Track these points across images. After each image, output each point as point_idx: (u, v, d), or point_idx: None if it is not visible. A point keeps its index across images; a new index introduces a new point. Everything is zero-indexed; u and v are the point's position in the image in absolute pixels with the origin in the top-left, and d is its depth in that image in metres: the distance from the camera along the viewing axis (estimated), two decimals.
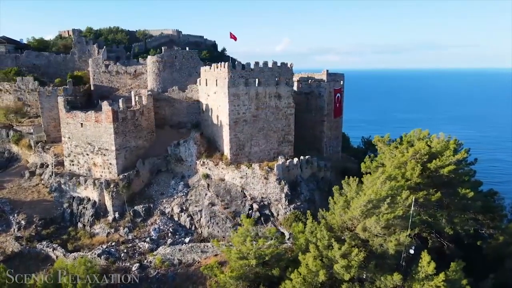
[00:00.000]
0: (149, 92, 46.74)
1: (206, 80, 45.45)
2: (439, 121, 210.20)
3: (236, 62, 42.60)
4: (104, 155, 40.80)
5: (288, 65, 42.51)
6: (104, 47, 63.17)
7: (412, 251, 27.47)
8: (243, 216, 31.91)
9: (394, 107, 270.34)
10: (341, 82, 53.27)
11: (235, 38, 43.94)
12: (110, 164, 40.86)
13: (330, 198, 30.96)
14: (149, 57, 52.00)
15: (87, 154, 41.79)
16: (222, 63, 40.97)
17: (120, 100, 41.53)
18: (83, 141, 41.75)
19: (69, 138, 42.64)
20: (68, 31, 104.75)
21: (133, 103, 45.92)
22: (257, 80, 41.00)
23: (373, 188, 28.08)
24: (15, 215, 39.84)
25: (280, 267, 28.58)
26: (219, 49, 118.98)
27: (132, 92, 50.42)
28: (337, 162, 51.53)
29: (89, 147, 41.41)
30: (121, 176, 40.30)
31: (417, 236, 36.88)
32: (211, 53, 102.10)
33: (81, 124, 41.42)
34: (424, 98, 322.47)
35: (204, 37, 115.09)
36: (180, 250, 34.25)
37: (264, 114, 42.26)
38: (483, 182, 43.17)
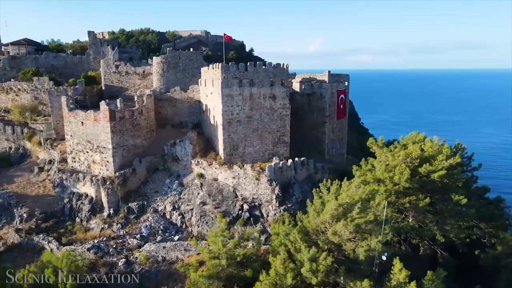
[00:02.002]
0: (150, 92, 47.87)
1: (205, 80, 46.04)
2: (479, 123, 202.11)
3: (249, 63, 42.34)
4: (102, 153, 42.25)
5: (283, 66, 42.34)
6: (116, 48, 65.34)
7: (384, 258, 26.64)
8: (219, 216, 32.18)
9: (430, 109, 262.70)
10: (346, 83, 52.32)
11: (229, 39, 44.21)
12: (108, 161, 42.25)
13: (308, 200, 30.65)
14: (154, 58, 53.31)
15: (87, 152, 43.42)
16: (217, 63, 41.39)
17: (118, 100, 42.85)
18: (84, 139, 43.42)
19: (71, 136, 44.46)
20: (102, 33, 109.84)
21: None
22: (251, 80, 41.10)
23: (348, 192, 27.59)
24: (19, 208, 41.99)
25: (254, 269, 28.58)
26: (247, 49, 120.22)
27: (138, 92, 51.92)
28: (338, 165, 50.61)
29: (89, 145, 43.00)
30: (117, 174, 41.56)
31: (408, 243, 35.84)
32: (238, 54, 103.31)
33: (82, 122, 43.06)
34: (463, 99, 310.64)
35: (232, 38, 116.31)
36: (164, 247, 34.95)
37: (258, 114, 42.24)
38: (490, 189, 41.41)
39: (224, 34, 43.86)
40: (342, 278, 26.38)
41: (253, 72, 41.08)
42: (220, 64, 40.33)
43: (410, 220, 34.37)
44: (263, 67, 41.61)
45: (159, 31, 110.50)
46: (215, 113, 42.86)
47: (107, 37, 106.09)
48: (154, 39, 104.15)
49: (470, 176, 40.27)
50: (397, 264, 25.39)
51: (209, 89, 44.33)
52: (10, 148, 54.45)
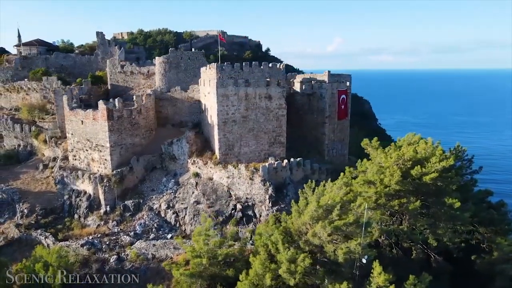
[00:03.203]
0: (150, 92, 48.50)
1: (204, 80, 46.37)
2: (501, 125, 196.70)
3: (244, 63, 42.46)
4: (100, 151, 43.15)
5: (280, 66, 42.24)
6: (122, 48, 66.47)
7: (364, 260, 26.25)
8: (203, 215, 32.36)
9: (451, 109, 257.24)
10: (347, 83, 51.73)
11: (224, 40, 44.36)
12: (105, 160, 43.12)
13: (292, 201, 30.49)
14: (156, 57, 53.97)
15: (87, 150, 44.42)
16: (212, 63, 41.63)
17: (116, 100, 43.58)
18: (83, 138, 44.45)
19: (72, 134, 45.59)
20: (121, 33, 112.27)
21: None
22: (247, 80, 41.15)
23: (330, 194, 27.33)
24: (21, 204, 43.30)
25: (236, 268, 28.61)
26: (264, 49, 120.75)
27: (140, 92, 52.71)
28: (339, 166, 50.01)
29: (88, 143, 43.99)
30: (114, 172, 42.34)
31: (399, 246, 35.16)
32: (254, 54, 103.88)
33: (82, 121, 44.07)
34: (488, 100, 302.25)
35: (249, 38, 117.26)
36: (154, 245, 35.39)
37: (254, 114, 42.22)
38: (493, 192, 40.34)
39: (219, 35, 43.92)
40: (322, 280, 26.20)
41: (248, 72, 41.16)
42: (215, 64, 40.56)
43: (402, 223, 33.80)
44: (260, 67, 41.63)
45: (176, 31, 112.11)
46: (212, 112, 43.14)
47: (126, 37, 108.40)
48: (171, 39, 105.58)
49: (469, 179, 39.28)
50: (376, 267, 25.01)
51: (207, 88, 44.64)
52: (19, 145, 56.18)
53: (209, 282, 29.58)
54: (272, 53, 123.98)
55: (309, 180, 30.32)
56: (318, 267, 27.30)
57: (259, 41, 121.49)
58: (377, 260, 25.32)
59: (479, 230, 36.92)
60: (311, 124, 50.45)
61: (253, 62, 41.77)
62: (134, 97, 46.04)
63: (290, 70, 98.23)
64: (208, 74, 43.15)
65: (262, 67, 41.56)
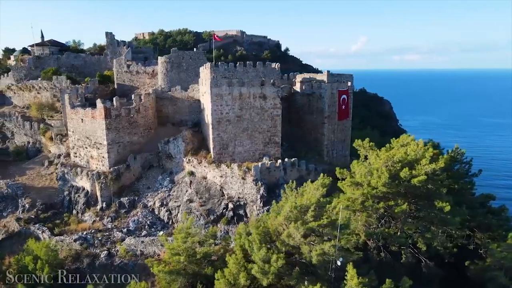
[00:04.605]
0: (150, 91, 49.25)
1: (202, 80, 46.76)
2: None
3: (238, 63, 42.80)
4: (98, 148, 44.14)
5: (273, 66, 42.11)
6: (129, 48, 67.74)
7: (339, 263, 25.87)
8: (184, 214, 32.63)
9: (481, 111, 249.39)
10: (349, 83, 51.05)
11: (219, 40, 44.57)
12: (103, 157, 44.07)
13: (274, 201, 30.38)
14: (159, 57, 54.76)
15: (86, 148, 45.53)
16: (208, 63, 41.92)
17: (114, 98, 44.48)
18: (83, 135, 45.57)
19: (72, 132, 46.84)
20: (142, 33, 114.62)
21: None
22: (241, 80, 41.24)
23: (308, 195, 27.11)
24: (23, 198, 44.80)
25: (216, 267, 28.73)
26: (283, 48, 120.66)
27: (143, 91, 53.60)
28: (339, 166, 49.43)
29: (88, 141, 45.09)
30: (111, 169, 43.24)
31: (388, 249, 34.43)
32: (273, 53, 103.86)
33: (82, 119, 45.20)
34: None
35: (268, 37, 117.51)
36: (142, 242, 35.92)
37: (248, 114, 42.21)
38: (495, 197, 39.11)
39: (214, 35, 44.20)
40: (297, 281, 26.01)
41: (243, 72, 41.26)
42: (209, 63, 40.87)
43: (390, 226, 33.12)
44: (254, 67, 41.65)
45: (196, 31, 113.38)
46: (207, 112, 43.43)
47: (147, 37, 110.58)
48: (191, 39, 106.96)
49: (467, 182, 38.18)
50: (350, 270, 24.61)
51: (203, 88, 45.01)
52: (28, 142, 58.10)
53: (191, 280, 29.80)
54: (291, 52, 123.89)
55: (291, 181, 30.14)
56: (297, 268, 27.12)
57: (278, 41, 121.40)
58: (351, 263, 24.91)
59: (477, 235, 35.87)
60: (311, 125, 50.08)
61: (247, 62, 41.84)
62: (133, 96, 46.82)
63: (309, 70, 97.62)
64: (204, 74, 43.49)
65: (256, 67, 41.54)
